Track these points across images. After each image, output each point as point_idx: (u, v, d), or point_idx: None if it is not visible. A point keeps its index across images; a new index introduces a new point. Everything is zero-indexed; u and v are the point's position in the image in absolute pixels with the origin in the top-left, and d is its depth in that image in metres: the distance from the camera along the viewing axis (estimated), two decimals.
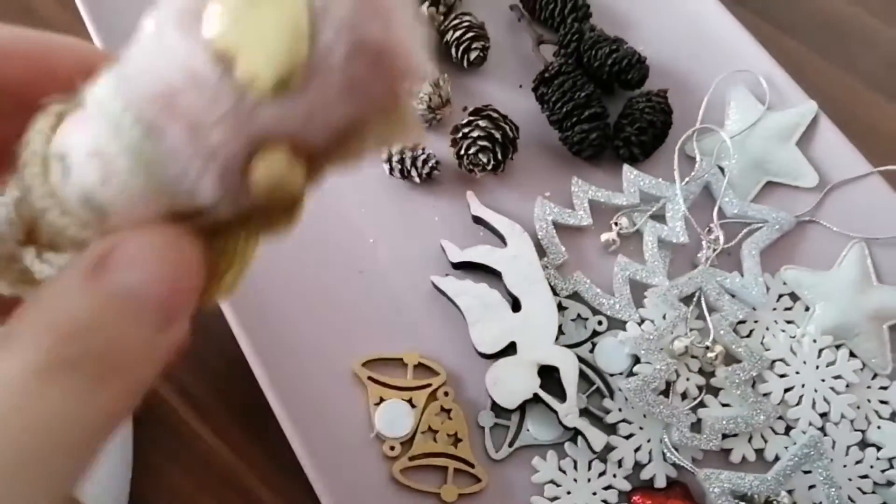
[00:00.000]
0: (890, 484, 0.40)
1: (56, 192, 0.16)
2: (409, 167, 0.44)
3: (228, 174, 0.15)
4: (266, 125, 0.15)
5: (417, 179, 0.45)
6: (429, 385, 0.41)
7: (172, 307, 0.16)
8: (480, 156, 0.44)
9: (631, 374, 0.41)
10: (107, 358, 0.16)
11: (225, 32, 0.15)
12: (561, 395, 0.40)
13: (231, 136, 0.15)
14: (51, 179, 0.17)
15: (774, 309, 0.43)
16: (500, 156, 0.44)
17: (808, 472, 0.39)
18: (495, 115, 0.44)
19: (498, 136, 0.44)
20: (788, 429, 0.41)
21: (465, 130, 0.44)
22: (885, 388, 0.42)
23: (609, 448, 0.40)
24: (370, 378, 0.41)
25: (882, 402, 0.41)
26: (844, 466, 0.40)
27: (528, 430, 0.41)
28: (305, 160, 0.16)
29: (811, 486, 0.39)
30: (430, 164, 0.44)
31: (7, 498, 0.14)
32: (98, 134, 0.16)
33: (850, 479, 0.40)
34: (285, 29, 0.14)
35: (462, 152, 0.44)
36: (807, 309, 0.43)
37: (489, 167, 0.44)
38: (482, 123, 0.44)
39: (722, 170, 0.46)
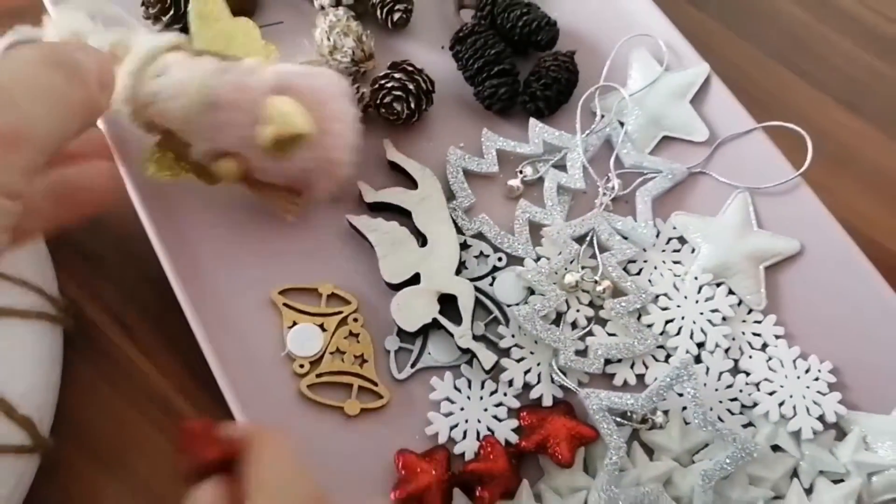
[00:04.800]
0: (755, 405, 0.43)
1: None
2: None
3: None
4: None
5: None
6: (340, 312, 0.45)
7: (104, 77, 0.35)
8: (395, 105, 0.47)
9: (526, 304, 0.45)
10: (78, 69, 0.33)
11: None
12: (460, 323, 0.44)
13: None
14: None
15: (664, 251, 0.47)
16: (413, 106, 0.48)
17: (682, 394, 0.43)
18: (410, 68, 0.48)
19: (412, 87, 0.47)
20: (668, 357, 0.45)
21: (382, 82, 0.48)
22: (758, 322, 0.45)
23: (501, 370, 0.43)
24: (285, 304, 0.44)
25: (755, 334, 0.45)
26: (716, 390, 0.44)
27: (429, 354, 0.44)
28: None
29: (684, 408, 0.43)
30: None
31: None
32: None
33: (720, 402, 0.43)
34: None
35: (378, 102, 0.48)
36: (693, 251, 0.47)
37: (404, 116, 0.48)
38: (397, 75, 0.48)
39: (622, 124, 0.49)
